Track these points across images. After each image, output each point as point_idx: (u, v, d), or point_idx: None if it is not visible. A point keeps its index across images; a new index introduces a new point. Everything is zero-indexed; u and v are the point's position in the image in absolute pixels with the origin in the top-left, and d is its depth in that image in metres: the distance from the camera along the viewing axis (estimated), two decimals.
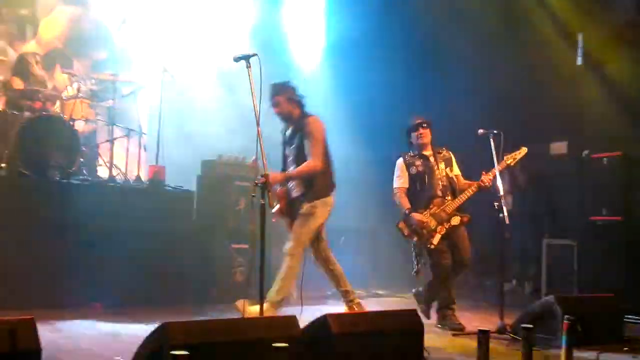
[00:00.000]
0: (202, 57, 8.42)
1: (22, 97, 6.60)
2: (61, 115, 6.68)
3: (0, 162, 6.05)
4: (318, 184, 5.23)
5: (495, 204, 5.10)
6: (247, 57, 4.41)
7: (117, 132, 7.08)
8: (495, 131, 5.34)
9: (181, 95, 7.86)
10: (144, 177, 7.16)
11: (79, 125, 7.02)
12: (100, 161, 7.12)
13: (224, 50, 7.76)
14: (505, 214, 5.03)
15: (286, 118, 5.41)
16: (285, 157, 5.48)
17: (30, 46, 7.85)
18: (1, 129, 6.21)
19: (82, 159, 6.56)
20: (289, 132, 5.44)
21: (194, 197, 6.98)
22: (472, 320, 5.93)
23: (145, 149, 7.36)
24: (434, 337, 4.91)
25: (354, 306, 5.30)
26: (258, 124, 4.33)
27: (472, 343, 3.85)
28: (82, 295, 5.58)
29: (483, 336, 3.63)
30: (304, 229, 5.19)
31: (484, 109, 7.64)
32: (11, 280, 5.45)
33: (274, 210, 5.29)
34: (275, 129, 5.51)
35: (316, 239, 5.29)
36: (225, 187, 6.99)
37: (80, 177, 6.43)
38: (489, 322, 5.32)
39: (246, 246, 6.70)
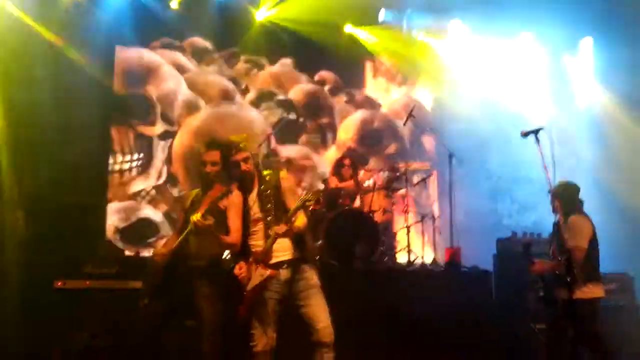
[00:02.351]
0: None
1: (335, 195, 7.36)
2: (361, 208, 7.31)
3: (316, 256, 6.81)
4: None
5: None
6: (535, 132, 4.50)
7: (412, 218, 7.48)
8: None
9: (466, 174, 8.02)
10: (440, 259, 7.39)
11: (378, 216, 7.58)
12: (399, 247, 7.57)
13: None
14: None
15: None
16: None
17: (331, 151, 8.84)
18: (315, 226, 6.99)
19: (382, 248, 7.05)
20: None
21: (491, 277, 6.96)
22: None
23: (440, 232, 7.63)
24: None
25: None
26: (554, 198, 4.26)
27: None
28: None
29: None
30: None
31: None
32: None
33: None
34: None
35: None
36: (523, 264, 6.85)
37: (382, 265, 6.89)
38: None
39: None
